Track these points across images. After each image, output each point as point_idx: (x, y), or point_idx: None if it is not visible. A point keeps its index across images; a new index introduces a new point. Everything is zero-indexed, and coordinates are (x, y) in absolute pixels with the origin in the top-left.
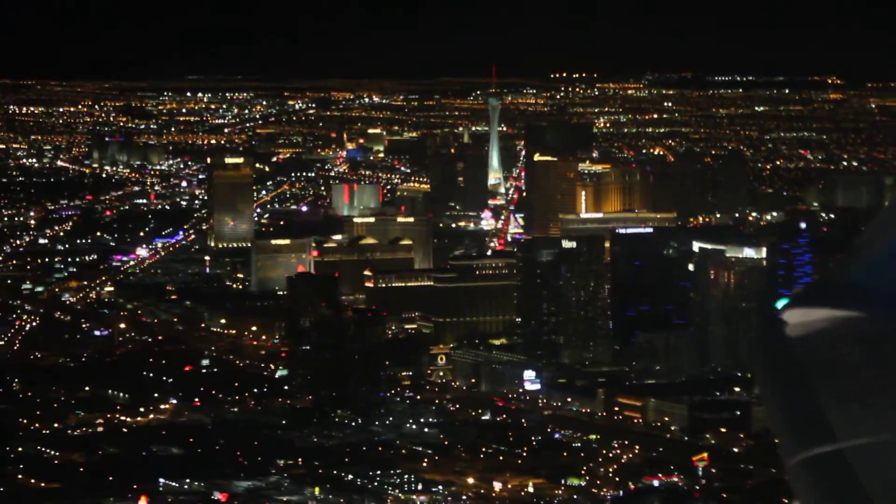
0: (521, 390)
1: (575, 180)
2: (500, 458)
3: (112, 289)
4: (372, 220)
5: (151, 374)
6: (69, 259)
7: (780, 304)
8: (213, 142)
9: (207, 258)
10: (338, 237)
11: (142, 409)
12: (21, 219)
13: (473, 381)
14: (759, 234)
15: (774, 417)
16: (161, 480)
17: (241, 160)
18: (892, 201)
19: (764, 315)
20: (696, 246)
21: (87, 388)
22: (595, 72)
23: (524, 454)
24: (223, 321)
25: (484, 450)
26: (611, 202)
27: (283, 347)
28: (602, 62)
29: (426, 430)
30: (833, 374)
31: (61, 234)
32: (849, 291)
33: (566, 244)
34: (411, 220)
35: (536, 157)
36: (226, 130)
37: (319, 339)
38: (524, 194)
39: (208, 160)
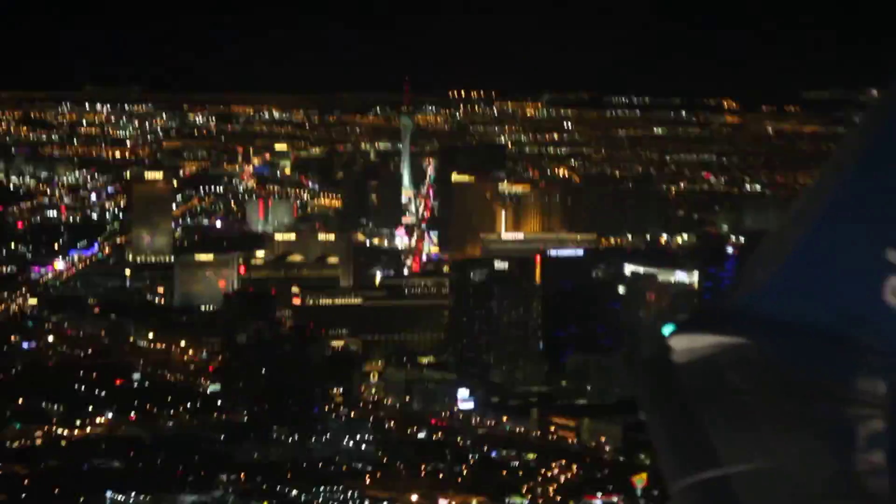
0: (454, 409)
1: (493, 200)
2: (441, 475)
3: (35, 301)
4: (293, 236)
5: (84, 388)
6: None
7: (667, 329)
8: (118, 155)
9: (128, 272)
10: (261, 253)
11: (78, 422)
12: None
13: (406, 398)
14: (682, 258)
15: (659, 443)
16: (108, 494)
17: (160, 175)
18: (773, 230)
19: (649, 340)
20: (627, 269)
21: (20, 401)
22: (493, 90)
23: (464, 472)
24: (150, 336)
25: (423, 467)
26: (530, 223)
27: (213, 363)
28: (498, 80)
29: (363, 447)
30: (717, 400)
31: None
32: (734, 317)
33: (498, 265)
34: (332, 237)
35: (455, 177)
36: (128, 143)
37: (257, 355)
38: (435, 213)
39: (126, 174)
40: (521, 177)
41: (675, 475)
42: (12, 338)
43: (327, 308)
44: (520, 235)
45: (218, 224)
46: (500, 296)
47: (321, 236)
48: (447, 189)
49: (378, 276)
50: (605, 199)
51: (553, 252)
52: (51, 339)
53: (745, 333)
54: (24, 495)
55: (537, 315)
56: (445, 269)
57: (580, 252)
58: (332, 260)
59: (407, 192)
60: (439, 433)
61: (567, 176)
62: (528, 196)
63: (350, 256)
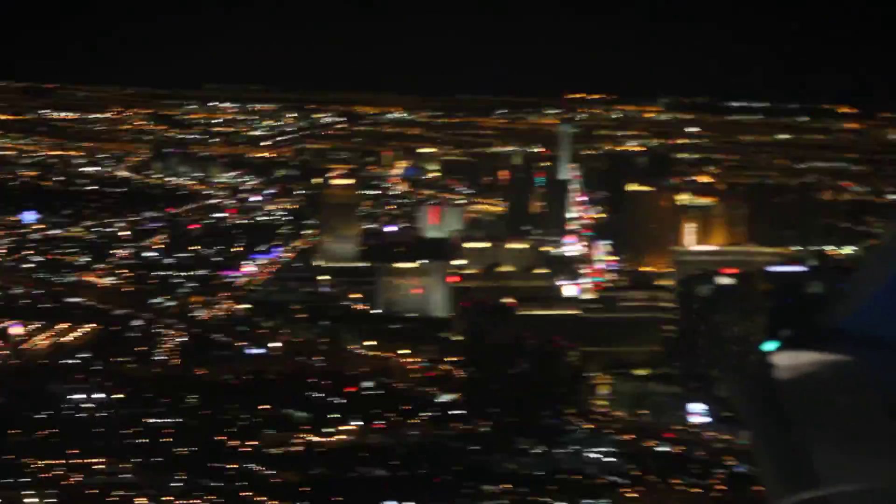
0: (688, 422)
1: (673, 210)
2: (692, 489)
3: (246, 306)
4: (484, 245)
5: (320, 395)
6: (180, 273)
7: (769, 346)
8: (264, 155)
9: (326, 277)
10: (458, 262)
11: (326, 430)
12: (107, 229)
13: (636, 411)
14: None
15: (760, 461)
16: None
17: (351, 181)
18: (876, 248)
19: (752, 358)
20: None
21: (267, 407)
22: (611, 93)
23: (715, 486)
24: (368, 343)
25: (675, 481)
26: (715, 235)
27: (435, 371)
28: (613, 83)
29: (608, 459)
30: (820, 418)
31: (160, 246)
32: (837, 335)
33: (722, 280)
34: (524, 245)
35: (632, 187)
36: (261, 144)
37: (499, 365)
38: (603, 221)
39: (312, 179)
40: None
41: (776, 494)
42: (237, 343)
43: (542, 318)
44: (709, 247)
45: (390, 229)
46: (725, 310)
47: (510, 245)
48: (619, 197)
49: (564, 284)
50: (784, 209)
51: (776, 267)
52: (274, 345)
53: (849, 351)
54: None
55: (762, 330)
56: (660, 281)
57: (804, 268)
58: (544, 270)
59: (570, 199)
60: (678, 447)
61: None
62: (715, 208)
63: (536, 265)
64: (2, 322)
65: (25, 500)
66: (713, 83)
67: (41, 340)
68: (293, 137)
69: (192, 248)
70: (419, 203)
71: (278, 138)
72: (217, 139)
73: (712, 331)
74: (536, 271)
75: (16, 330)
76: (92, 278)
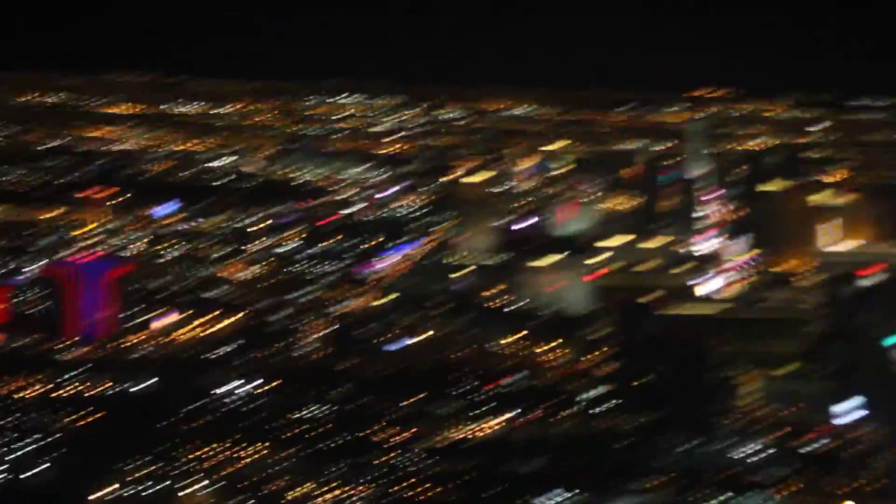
0: (836, 419)
1: (808, 209)
2: (841, 487)
3: (389, 298)
4: (617, 241)
5: (466, 389)
6: (317, 267)
7: (891, 340)
8: (389, 150)
9: (462, 273)
10: (595, 259)
11: (475, 424)
12: (240, 224)
13: (784, 409)
14: None
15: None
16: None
17: (486, 176)
18: None
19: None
20: None
21: (415, 400)
22: (733, 90)
23: (863, 483)
24: (511, 336)
25: (824, 478)
26: (852, 234)
27: (579, 366)
28: (737, 80)
29: (754, 456)
30: None
31: (295, 240)
32: None
33: (865, 279)
34: (656, 243)
35: (766, 184)
36: (386, 140)
37: (649, 360)
38: (736, 218)
39: (440, 175)
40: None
41: None
42: (384, 335)
43: (687, 316)
44: (848, 246)
45: (522, 225)
46: (868, 308)
47: (646, 243)
48: (749, 195)
49: (699, 282)
50: None
51: None
52: (417, 339)
53: None
54: (465, 495)
55: None
56: (797, 280)
57: None
58: (679, 269)
59: (699, 197)
60: (827, 444)
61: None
62: (848, 205)
63: (677, 263)
64: (148, 314)
65: (191, 488)
66: (837, 80)
67: (187, 332)
68: (418, 132)
69: (327, 242)
70: (549, 199)
71: (403, 133)
72: (341, 134)
73: (857, 329)
74: (674, 270)
75: (163, 322)
76: (230, 272)
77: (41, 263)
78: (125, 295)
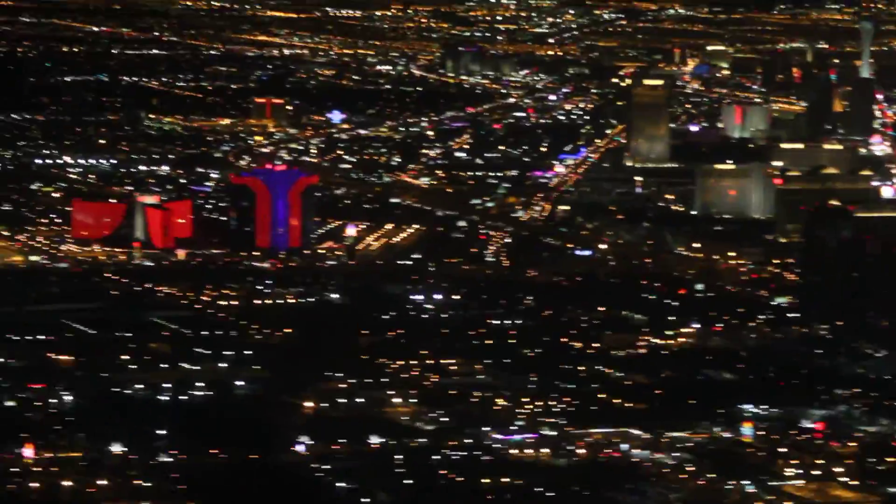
0: None
1: None
2: None
3: (567, 207)
4: (800, 146)
5: (654, 297)
6: (492, 173)
7: None
8: (551, 53)
9: (639, 178)
10: (778, 163)
11: (666, 333)
12: (412, 129)
13: None
14: None
15: None
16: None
17: (660, 81)
18: None
19: None
20: None
21: (604, 309)
22: None
23: None
24: (693, 245)
25: None
26: None
27: (766, 273)
28: None
29: None
30: None
31: (467, 146)
32: None
33: None
34: (836, 146)
35: None
36: (546, 42)
37: (833, 268)
38: None
39: (609, 78)
40: None
41: None
42: (566, 245)
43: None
44: None
45: (693, 128)
46: None
47: (828, 145)
48: None
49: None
50: None
51: None
52: (602, 246)
53: None
54: (663, 405)
55: None
56: None
57: None
58: (867, 172)
59: (871, 98)
60: None
61: None
62: None
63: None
64: (335, 223)
65: (390, 400)
66: None
67: (373, 241)
68: (577, 35)
69: (499, 147)
70: (715, 102)
71: (563, 35)
72: (501, 37)
73: None
74: (862, 172)
75: (350, 231)
76: (407, 178)
77: (224, 173)
78: (313, 204)
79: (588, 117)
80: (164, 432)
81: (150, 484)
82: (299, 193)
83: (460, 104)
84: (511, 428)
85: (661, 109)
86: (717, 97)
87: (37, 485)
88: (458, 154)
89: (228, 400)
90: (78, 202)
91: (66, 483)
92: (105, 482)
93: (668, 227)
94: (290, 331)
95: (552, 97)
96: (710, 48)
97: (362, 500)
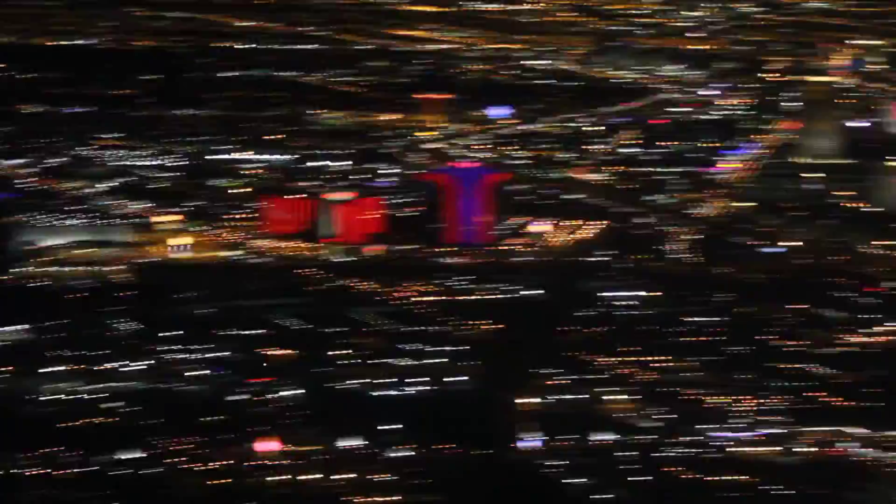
0: None
1: None
2: None
3: (744, 204)
4: None
5: (848, 294)
6: (661, 169)
7: None
8: (699, 47)
9: (813, 174)
10: None
11: (865, 331)
12: (573, 124)
13: None
14: None
15: None
16: None
17: (825, 77)
18: None
19: None
20: None
21: (802, 307)
22: None
23: None
24: (877, 242)
25: None
26: None
27: None
28: None
29: None
30: None
31: (633, 141)
32: None
33: None
34: None
35: None
36: (688, 35)
37: None
38: None
39: (760, 71)
40: None
41: None
42: (751, 242)
43: None
44: None
45: (859, 124)
46: None
47: None
48: None
49: None
50: None
51: None
52: (789, 243)
53: None
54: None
55: None
56: None
57: None
58: None
59: None
60: None
61: None
62: None
63: None
64: (519, 219)
65: (605, 397)
66: None
67: (559, 237)
68: (721, 28)
69: (664, 143)
70: (874, 97)
71: (709, 28)
72: (647, 31)
73: None
74: None
75: (536, 227)
76: (578, 174)
77: (398, 169)
78: (499, 200)
79: (745, 112)
80: (393, 427)
81: (389, 478)
82: (489, 189)
83: (616, 99)
84: (729, 425)
85: (827, 105)
86: (876, 92)
87: (281, 478)
88: (623, 150)
89: (447, 395)
90: (269, 198)
91: (309, 477)
92: (347, 476)
93: (851, 223)
94: (494, 326)
95: (705, 92)
96: (862, 42)
97: (594, 496)
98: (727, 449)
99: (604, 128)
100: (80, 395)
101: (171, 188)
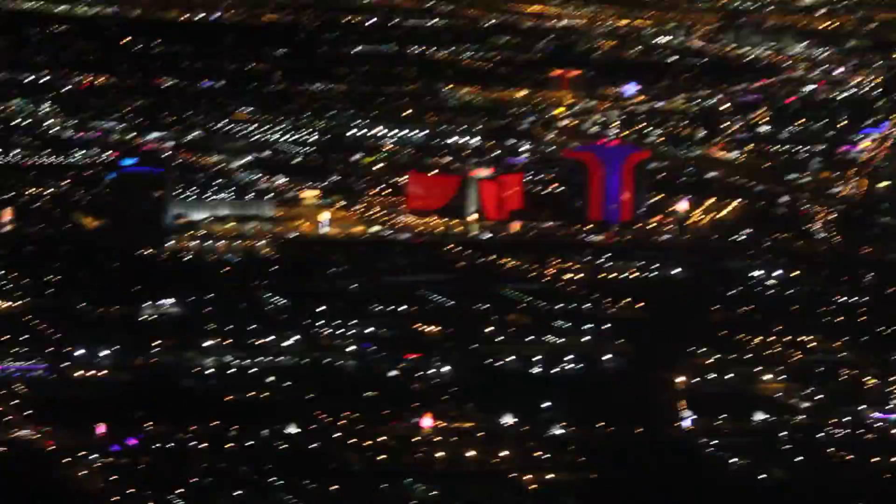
0: None
1: None
2: None
3: (886, 183)
4: None
5: None
6: (798, 147)
7: None
8: (828, 25)
9: None
10: None
11: None
12: (708, 102)
13: None
14: None
15: None
16: None
17: None
18: None
19: None
20: None
21: None
22: None
23: None
24: None
25: None
26: None
27: None
28: None
29: None
30: None
31: (766, 119)
32: None
33: None
34: None
35: None
36: (816, 14)
37: None
38: None
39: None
40: None
41: None
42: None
43: None
44: None
45: None
46: None
47: None
48: None
49: None
50: None
51: None
52: None
53: None
54: None
55: None
56: None
57: None
58: None
59: None
60: None
61: None
62: None
63: None
64: (658, 197)
65: (759, 377)
66: None
67: (700, 216)
68: (849, 4)
69: (799, 121)
70: None
71: (837, 5)
72: (774, 7)
73: None
74: None
75: (680, 206)
76: (716, 152)
77: (533, 145)
78: (644, 179)
79: (880, 90)
80: (548, 404)
81: (549, 455)
82: (631, 168)
83: (749, 76)
84: (888, 407)
85: None
86: None
87: (442, 454)
88: (759, 129)
89: (600, 373)
90: (413, 174)
91: (469, 454)
92: (505, 453)
93: None
94: (641, 304)
95: (838, 70)
96: None
97: (757, 476)
98: (887, 430)
99: (737, 105)
100: (239, 369)
101: (309, 163)
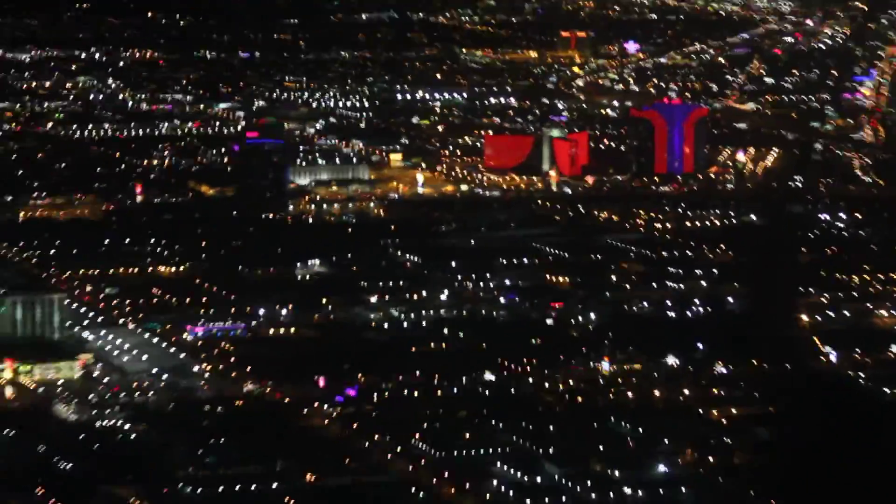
0: None
1: None
2: None
3: None
4: None
5: None
6: (804, 97)
7: None
8: None
9: None
10: None
11: None
12: (704, 56)
13: None
14: None
15: None
16: None
17: None
18: None
19: None
20: None
21: None
22: None
23: None
24: None
25: None
26: None
27: None
28: None
29: None
30: None
31: (761, 71)
32: None
33: None
34: None
35: None
36: None
37: None
38: None
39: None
40: None
41: None
42: None
43: None
44: None
45: None
46: None
47: None
48: None
49: None
50: None
51: None
52: None
53: None
54: None
55: None
56: None
57: None
58: None
59: None
60: None
61: None
62: None
63: None
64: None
65: (874, 312)
66: None
67: (750, 165)
68: None
69: (793, 71)
70: None
71: None
72: None
73: None
74: None
75: (740, 157)
76: (734, 104)
77: (570, 103)
78: (704, 133)
79: (852, 41)
80: (700, 346)
81: (718, 392)
82: (692, 124)
83: (728, 30)
84: None
85: None
86: None
87: (630, 395)
88: (769, 80)
89: (727, 314)
90: (489, 136)
91: (654, 393)
92: (686, 392)
93: None
94: (732, 251)
95: (808, 22)
96: None
97: None
98: None
99: (730, 58)
100: (408, 322)
101: (377, 126)
